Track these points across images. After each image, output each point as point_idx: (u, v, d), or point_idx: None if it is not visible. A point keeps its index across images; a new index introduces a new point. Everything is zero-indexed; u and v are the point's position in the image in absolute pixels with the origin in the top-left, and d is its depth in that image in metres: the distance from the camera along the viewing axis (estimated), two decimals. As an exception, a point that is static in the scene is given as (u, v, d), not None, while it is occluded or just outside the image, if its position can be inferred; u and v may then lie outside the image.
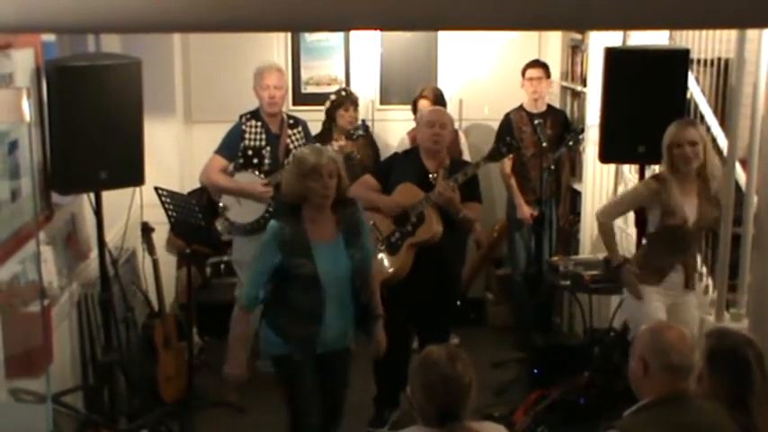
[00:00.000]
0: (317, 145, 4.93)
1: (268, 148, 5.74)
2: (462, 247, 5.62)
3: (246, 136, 5.74)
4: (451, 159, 5.41)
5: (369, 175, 5.45)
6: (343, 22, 2.88)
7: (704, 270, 5.42)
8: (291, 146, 5.81)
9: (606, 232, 5.01)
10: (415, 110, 6.54)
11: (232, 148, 5.73)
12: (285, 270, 4.27)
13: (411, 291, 5.21)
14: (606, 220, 4.99)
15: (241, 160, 5.73)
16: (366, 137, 6.46)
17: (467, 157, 6.53)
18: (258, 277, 4.36)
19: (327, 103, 6.36)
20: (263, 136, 5.76)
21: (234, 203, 5.67)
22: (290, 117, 5.91)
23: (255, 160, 5.71)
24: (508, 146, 5.27)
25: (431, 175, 5.25)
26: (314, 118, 6.29)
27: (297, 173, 4.25)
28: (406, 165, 5.33)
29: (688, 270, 4.86)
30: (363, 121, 6.22)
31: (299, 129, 5.92)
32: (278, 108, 5.82)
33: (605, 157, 5.51)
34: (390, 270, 5.20)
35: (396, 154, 5.87)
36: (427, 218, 5.12)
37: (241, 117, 5.88)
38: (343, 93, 6.33)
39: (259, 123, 5.77)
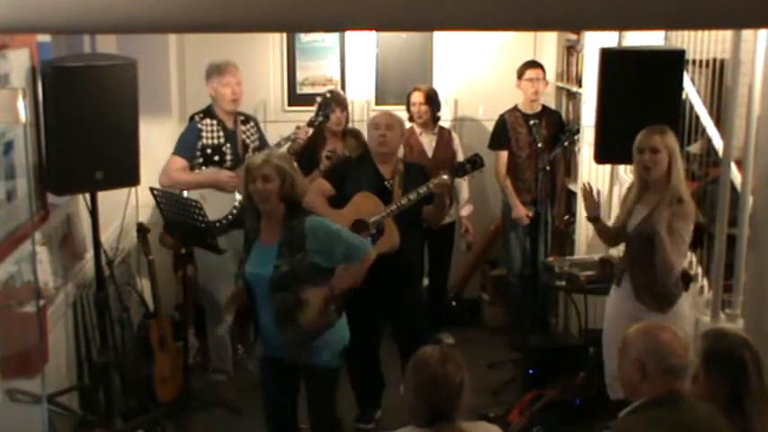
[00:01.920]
0: (273, 150, 5.11)
1: (228, 145, 5.74)
2: (418, 248, 5.60)
3: (203, 135, 5.72)
4: (406, 164, 5.41)
5: (323, 180, 5.36)
6: (339, 23, 2.88)
7: (699, 271, 5.43)
8: (248, 141, 5.84)
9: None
10: (408, 104, 6.55)
11: (190, 148, 5.70)
12: None
13: (368, 297, 5.21)
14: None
15: (200, 160, 5.70)
16: (357, 137, 6.46)
17: (461, 158, 6.54)
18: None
19: (315, 106, 6.35)
20: (221, 133, 5.75)
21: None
22: (240, 114, 5.92)
23: (216, 158, 5.70)
24: (472, 163, 5.23)
25: (386, 182, 5.24)
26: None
27: (242, 174, 4.42)
28: (361, 170, 5.30)
29: (634, 282, 4.76)
30: (321, 106, 6.16)
31: (252, 124, 5.97)
32: (239, 105, 5.84)
33: (600, 157, 5.51)
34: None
35: (349, 158, 5.85)
36: (387, 229, 5.12)
37: (193, 116, 5.89)
38: (329, 94, 6.31)
39: (214, 121, 5.76)
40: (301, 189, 4.36)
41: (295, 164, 4.50)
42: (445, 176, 5.08)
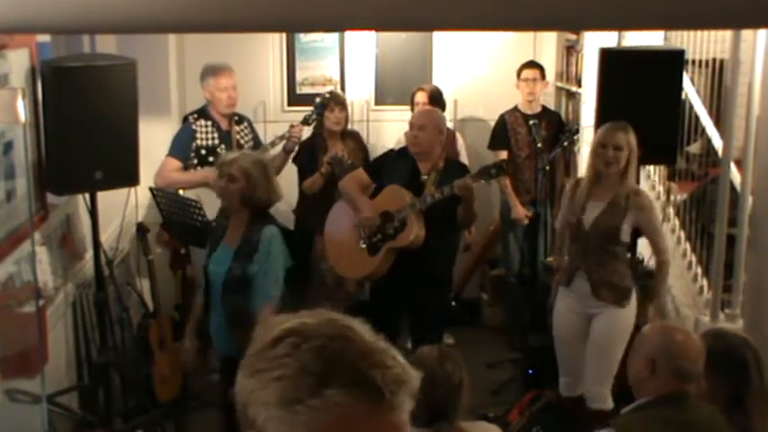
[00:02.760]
0: (248, 152, 5.13)
1: (223, 146, 5.75)
2: (450, 248, 5.59)
3: (198, 136, 5.75)
4: (447, 161, 5.38)
5: (361, 170, 5.42)
6: (339, 23, 2.88)
7: (699, 270, 5.43)
8: (242, 141, 5.86)
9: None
10: (412, 105, 6.55)
11: (184, 149, 5.73)
12: None
13: (394, 291, 5.22)
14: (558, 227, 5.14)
15: (195, 161, 5.73)
16: (356, 139, 6.46)
17: (464, 158, 6.53)
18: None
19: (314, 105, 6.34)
20: (216, 134, 5.78)
21: None
22: (234, 114, 5.93)
23: (211, 158, 5.70)
24: (498, 168, 5.21)
25: (423, 177, 5.24)
26: (309, 119, 6.28)
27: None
28: (399, 164, 5.30)
29: (591, 278, 4.79)
30: (320, 102, 6.16)
31: (245, 124, 6.00)
32: (235, 108, 5.85)
33: (600, 157, 5.51)
34: (367, 271, 5.23)
35: (391, 151, 5.85)
36: (409, 224, 5.10)
37: (187, 117, 5.90)
38: (328, 95, 6.31)
39: (209, 122, 5.78)
40: (267, 196, 4.33)
41: (270, 171, 4.42)
42: (469, 179, 5.09)
